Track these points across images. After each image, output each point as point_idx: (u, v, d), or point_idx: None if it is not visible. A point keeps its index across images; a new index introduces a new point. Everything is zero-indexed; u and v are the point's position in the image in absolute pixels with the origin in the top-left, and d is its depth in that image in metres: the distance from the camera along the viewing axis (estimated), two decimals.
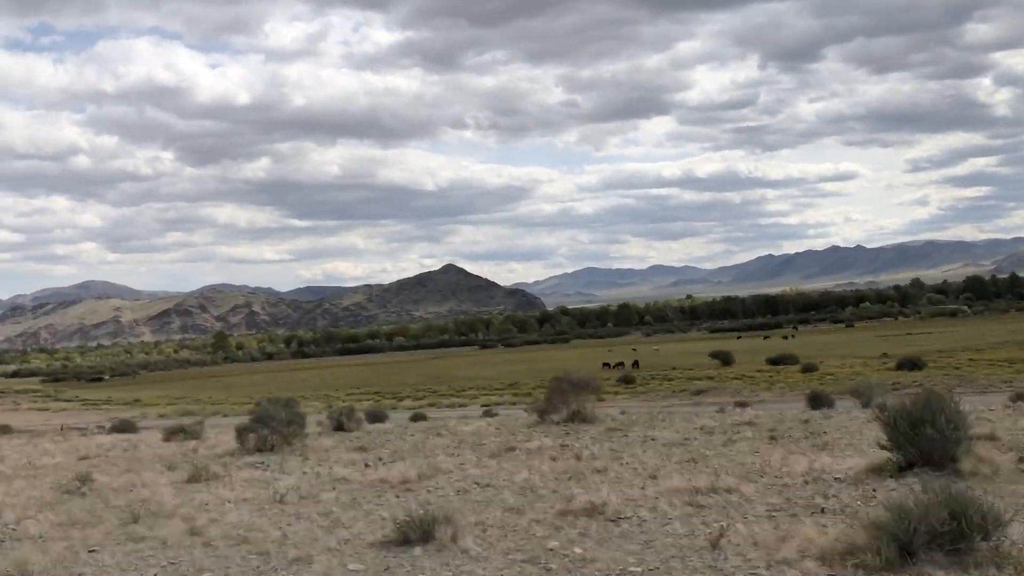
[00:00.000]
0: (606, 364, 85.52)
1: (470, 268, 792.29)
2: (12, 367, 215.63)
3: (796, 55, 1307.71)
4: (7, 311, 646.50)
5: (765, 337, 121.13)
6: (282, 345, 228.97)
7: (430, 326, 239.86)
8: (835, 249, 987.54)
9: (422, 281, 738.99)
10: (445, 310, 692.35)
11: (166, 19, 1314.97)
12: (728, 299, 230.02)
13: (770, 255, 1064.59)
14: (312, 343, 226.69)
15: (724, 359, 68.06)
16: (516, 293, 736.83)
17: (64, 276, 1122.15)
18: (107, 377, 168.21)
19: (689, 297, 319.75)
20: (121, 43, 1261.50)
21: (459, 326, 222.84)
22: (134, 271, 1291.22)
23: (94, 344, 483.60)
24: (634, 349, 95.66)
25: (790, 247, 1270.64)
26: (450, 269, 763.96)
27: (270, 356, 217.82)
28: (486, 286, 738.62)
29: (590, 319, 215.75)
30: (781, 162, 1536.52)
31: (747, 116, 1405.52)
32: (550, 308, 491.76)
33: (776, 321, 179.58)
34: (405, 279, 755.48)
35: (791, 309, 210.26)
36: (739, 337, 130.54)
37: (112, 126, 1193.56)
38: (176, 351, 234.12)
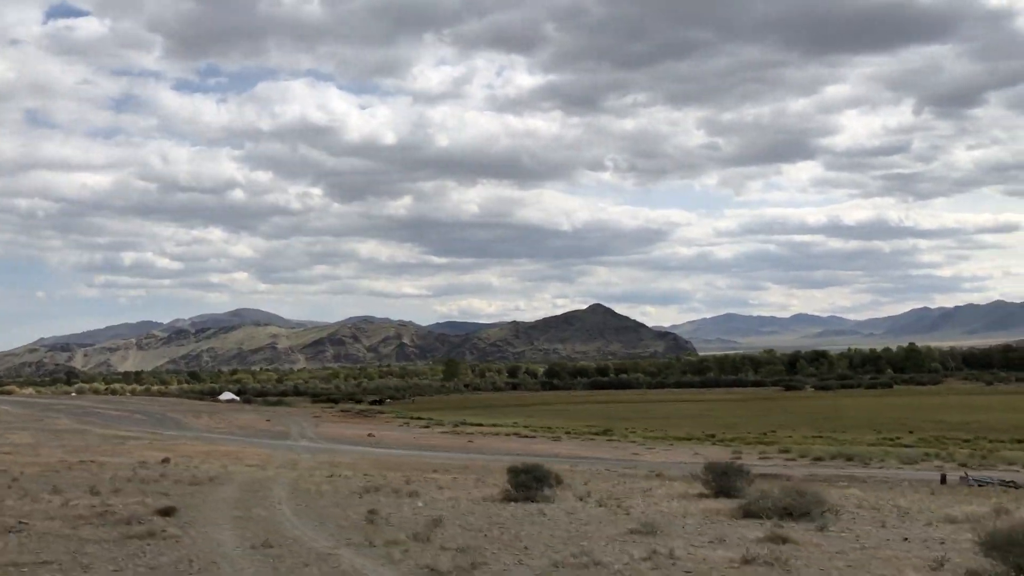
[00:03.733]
0: None
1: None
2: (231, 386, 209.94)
3: (955, 100, 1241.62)
4: (171, 334, 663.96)
5: None
6: (524, 376, 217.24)
7: (668, 364, 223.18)
8: (999, 304, 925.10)
9: (569, 320, 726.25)
10: (593, 349, 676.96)
11: (321, 61, 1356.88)
12: None
13: (926, 308, 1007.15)
14: (554, 375, 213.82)
15: None
16: (666, 336, 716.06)
17: (218, 303, 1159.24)
18: (387, 401, 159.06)
19: None
20: (279, 84, 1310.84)
21: (721, 364, 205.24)
22: (282, 301, 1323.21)
23: (256, 368, 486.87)
24: None
25: (943, 300, 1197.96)
26: (597, 309, 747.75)
27: (515, 387, 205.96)
28: (635, 327, 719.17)
29: (859, 361, 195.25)
30: (935, 211, 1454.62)
31: (899, 163, 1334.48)
32: (700, 352, 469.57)
33: None
34: (552, 317, 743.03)
35: None
36: None
37: (267, 162, 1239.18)
38: (403, 377, 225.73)
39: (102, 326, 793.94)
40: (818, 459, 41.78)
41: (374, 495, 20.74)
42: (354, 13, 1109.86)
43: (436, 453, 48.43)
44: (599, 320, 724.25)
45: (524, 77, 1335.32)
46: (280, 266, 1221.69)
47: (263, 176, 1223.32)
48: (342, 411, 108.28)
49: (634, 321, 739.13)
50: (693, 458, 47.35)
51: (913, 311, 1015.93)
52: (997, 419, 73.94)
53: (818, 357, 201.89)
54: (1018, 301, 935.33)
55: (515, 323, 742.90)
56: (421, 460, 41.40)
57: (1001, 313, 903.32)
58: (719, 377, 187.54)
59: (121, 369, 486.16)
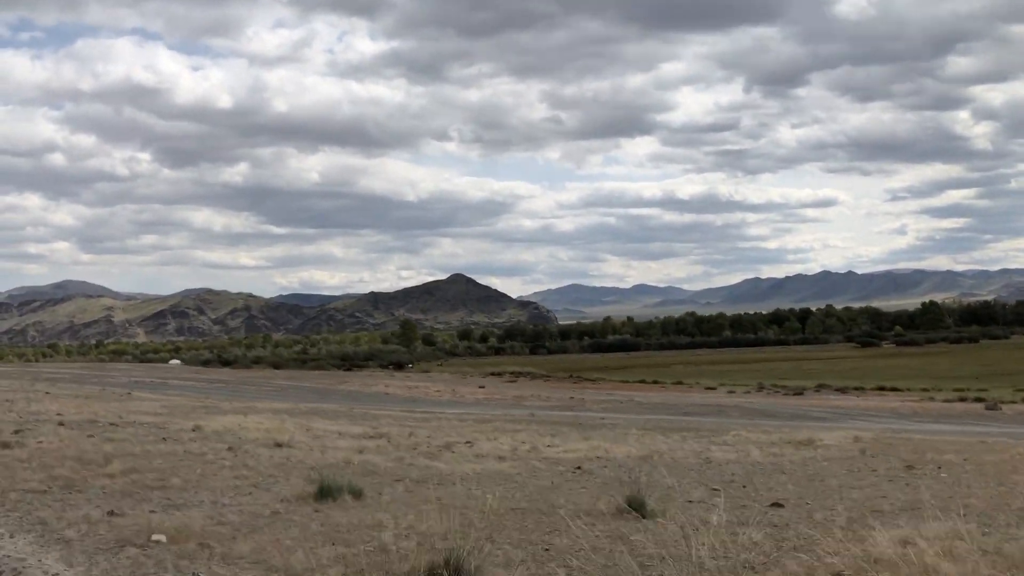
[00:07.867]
0: None
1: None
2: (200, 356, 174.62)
3: (781, 80, 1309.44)
4: None
5: None
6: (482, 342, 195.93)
7: (650, 325, 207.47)
8: (826, 274, 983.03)
9: (429, 290, 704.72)
10: (456, 319, 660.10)
11: (148, 19, 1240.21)
12: None
13: (756, 278, 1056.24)
14: (538, 338, 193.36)
15: None
16: (528, 305, 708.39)
17: (38, 275, 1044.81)
18: (411, 365, 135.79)
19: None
20: (102, 42, 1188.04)
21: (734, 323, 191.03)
22: (108, 272, 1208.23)
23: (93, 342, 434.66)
24: None
25: (770, 271, 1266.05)
26: (458, 279, 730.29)
27: (497, 351, 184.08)
28: (496, 297, 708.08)
29: (856, 319, 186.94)
30: (762, 186, 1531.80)
31: (729, 139, 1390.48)
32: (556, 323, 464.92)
33: None
34: (412, 287, 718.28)
35: None
36: None
37: (89, 125, 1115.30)
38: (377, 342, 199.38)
39: None
40: None
41: None
42: None
43: None
44: (460, 290, 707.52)
45: (366, 43, 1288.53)
46: (105, 235, 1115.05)
47: (86, 139, 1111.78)
48: (491, 374, 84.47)
49: (496, 291, 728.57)
50: None
51: (745, 281, 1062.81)
52: None
53: (806, 315, 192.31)
54: (842, 272, 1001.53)
55: (373, 293, 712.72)
56: None
57: (827, 283, 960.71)
58: (735, 336, 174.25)
59: None
